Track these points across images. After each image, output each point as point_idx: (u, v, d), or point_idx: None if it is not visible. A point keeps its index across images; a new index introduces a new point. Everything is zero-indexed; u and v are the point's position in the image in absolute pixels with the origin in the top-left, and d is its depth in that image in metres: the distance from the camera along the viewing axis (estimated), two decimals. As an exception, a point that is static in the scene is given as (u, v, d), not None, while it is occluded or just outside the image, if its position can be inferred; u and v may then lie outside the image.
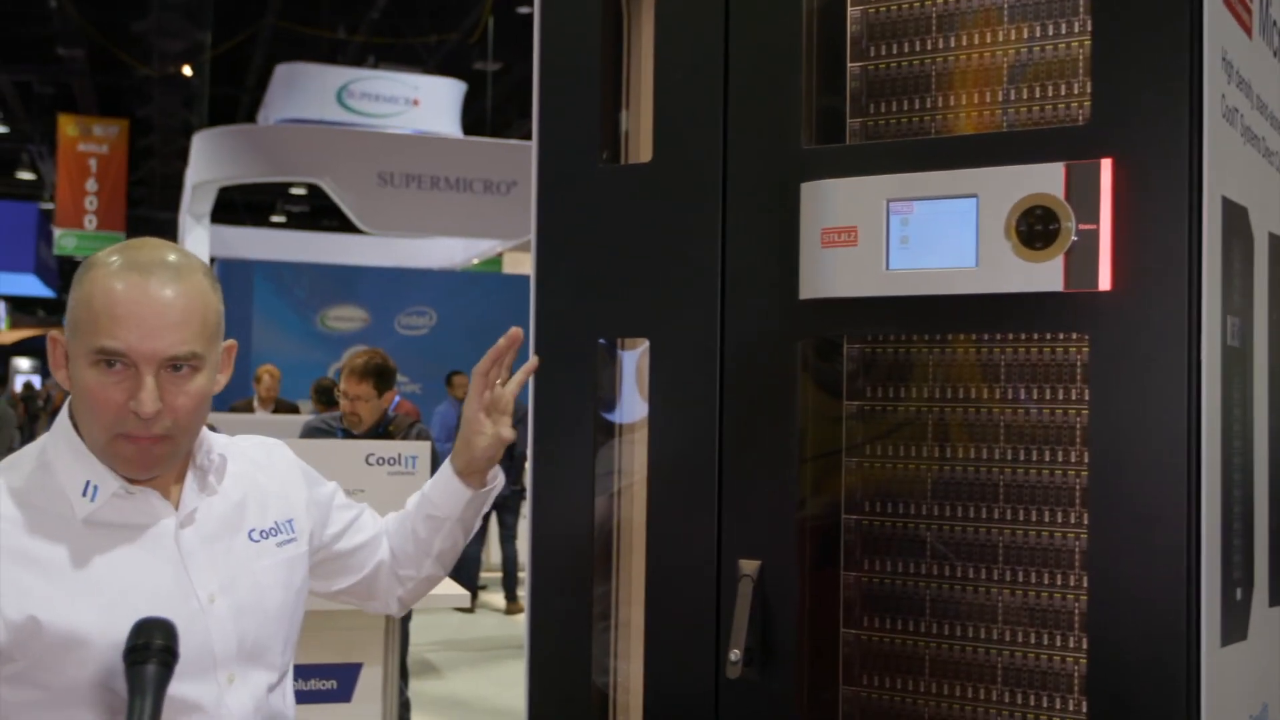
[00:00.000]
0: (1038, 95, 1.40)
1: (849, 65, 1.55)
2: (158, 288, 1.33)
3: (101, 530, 1.35)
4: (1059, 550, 1.40)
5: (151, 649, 1.19)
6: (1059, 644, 1.40)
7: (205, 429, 1.45)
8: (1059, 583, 1.40)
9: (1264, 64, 1.48)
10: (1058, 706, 1.40)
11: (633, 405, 1.61)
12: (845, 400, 1.55)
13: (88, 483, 1.35)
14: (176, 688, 1.26)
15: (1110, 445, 1.25)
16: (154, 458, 1.35)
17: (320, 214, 19.26)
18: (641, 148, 1.60)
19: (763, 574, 1.42)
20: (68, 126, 16.07)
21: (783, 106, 1.43)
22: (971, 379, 1.48)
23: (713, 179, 1.47)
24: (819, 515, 1.54)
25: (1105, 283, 1.25)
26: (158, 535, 1.38)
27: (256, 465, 1.54)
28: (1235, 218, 1.34)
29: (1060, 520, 1.40)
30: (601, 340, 1.57)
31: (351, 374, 4.20)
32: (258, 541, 1.47)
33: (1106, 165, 1.25)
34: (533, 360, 1.59)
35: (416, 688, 5.32)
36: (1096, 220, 1.25)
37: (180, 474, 1.43)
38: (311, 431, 4.37)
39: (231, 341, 1.46)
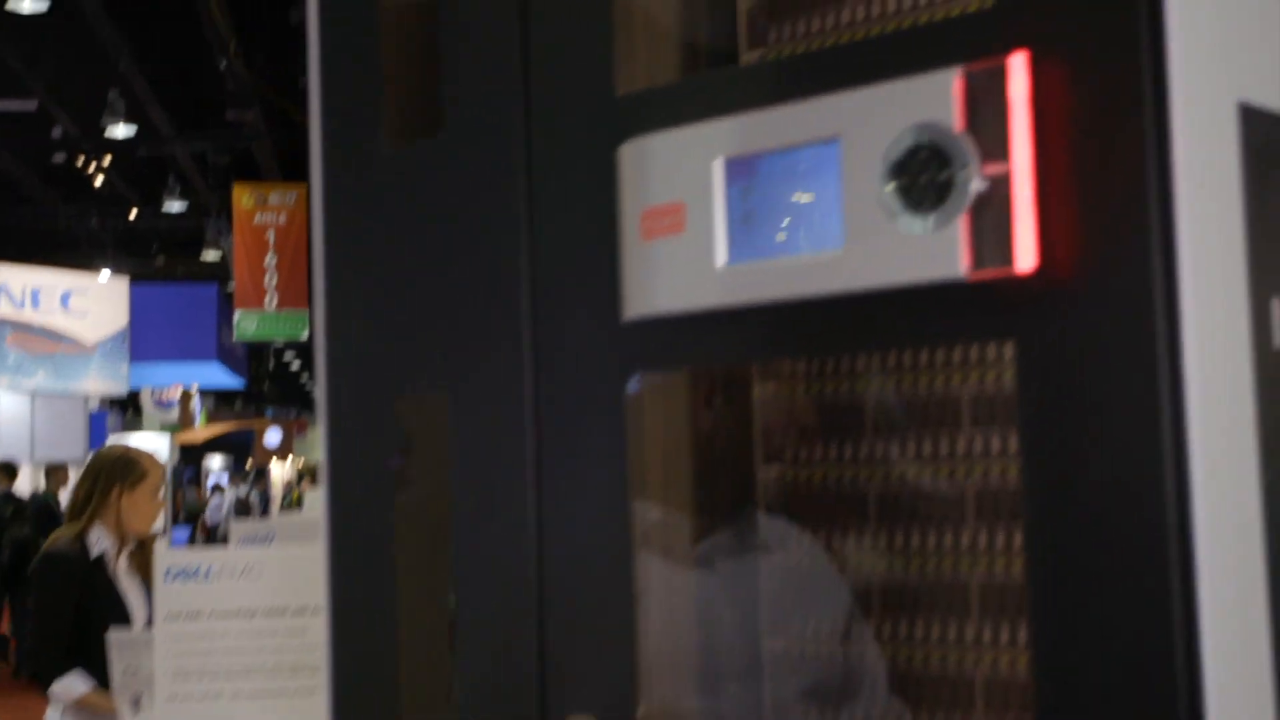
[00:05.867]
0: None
1: (740, -21, 1.23)
2: None
3: None
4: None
5: None
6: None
7: None
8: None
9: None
10: None
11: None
12: (762, 464, 1.21)
13: None
14: None
15: (1050, 514, 0.88)
16: None
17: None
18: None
19: (597, 738, 1.09)
20: (243, 197, 16.84)
21: (592, 39, 1.12)
22: (926, 422, 1.12)
23: (513, 152, 1.17)
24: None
25: (1027, 259, 0.88)
26: None
27: None
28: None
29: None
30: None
31: None
32: None
33: (1018, 64, 0.88)
34: None
35: None
36: (1007, 156, 0.88)
37: None
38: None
39: None
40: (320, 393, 1.31)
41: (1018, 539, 1.03)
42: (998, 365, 1.03)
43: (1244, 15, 0.92)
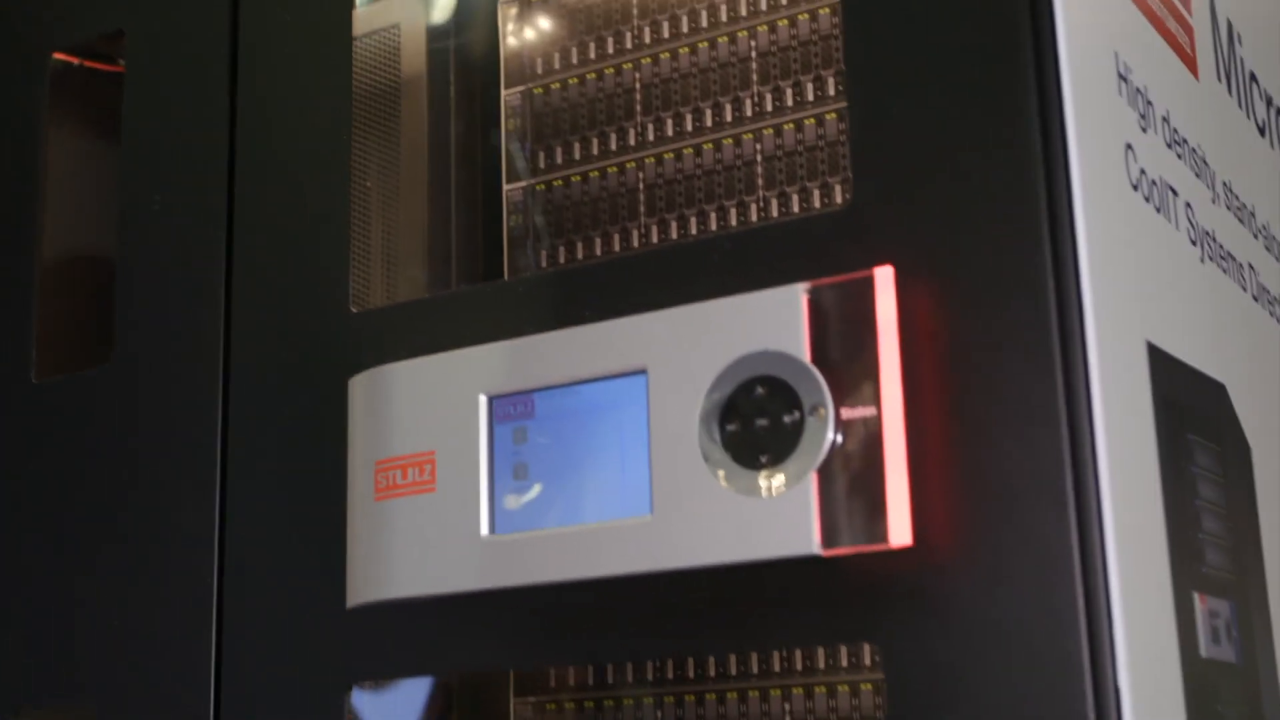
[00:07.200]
0: (788, 195, 0.90)
1: (505, 188, 1.06)
2: None
3: None
4: None
5: None
6: None
7: None
8: None
9: (1231, 127, 0.98)
10: None
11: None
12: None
13: None
14: None
15: None
16: None
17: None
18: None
19: None
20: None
21: (317, 243, 0.92)
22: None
23: (204, 387, 0.93)
24: None
25: (899, 532, 0.69)
26: None
27: None
28: (1190, 394, 0.80)
29: None
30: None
31: None
32: None
33: (883, 280, 0.71)
34: None
35: None
36: (877, 401, 0.70)
37: None
38: None
39: None
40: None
41: None
42: (854, 671, 0.83)
43: (1150, 246, 0.78)
